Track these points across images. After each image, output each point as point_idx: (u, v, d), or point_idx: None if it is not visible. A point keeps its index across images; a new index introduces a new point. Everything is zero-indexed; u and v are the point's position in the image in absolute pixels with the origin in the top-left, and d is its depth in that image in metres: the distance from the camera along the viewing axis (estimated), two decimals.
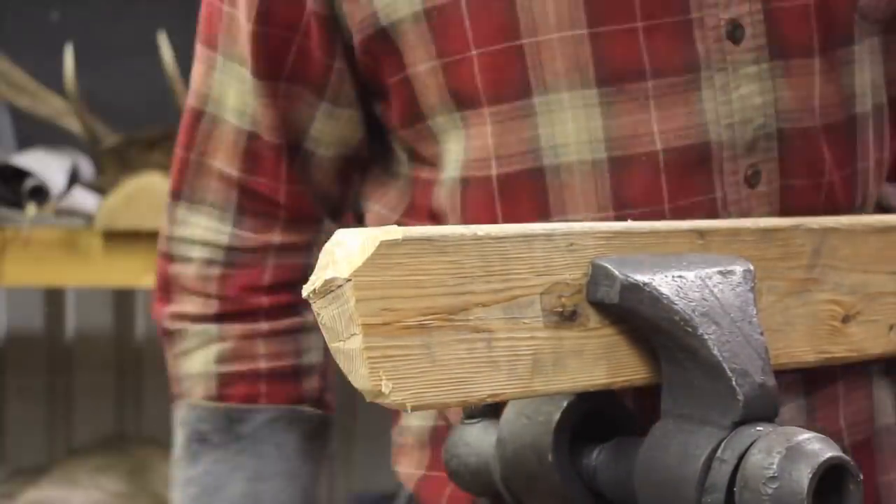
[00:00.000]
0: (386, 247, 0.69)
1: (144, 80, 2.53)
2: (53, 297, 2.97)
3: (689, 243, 0.81)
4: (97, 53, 2.66)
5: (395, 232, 0.69)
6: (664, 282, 0.77)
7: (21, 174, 2.39)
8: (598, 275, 0.78)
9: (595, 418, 0.85)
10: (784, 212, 0.93)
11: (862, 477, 0.73)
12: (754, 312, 0.79)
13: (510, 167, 0.96)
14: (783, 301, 0.85)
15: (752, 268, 0.82)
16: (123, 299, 2.85)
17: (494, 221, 0.94)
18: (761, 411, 0.76)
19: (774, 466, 0.71)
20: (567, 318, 0.76)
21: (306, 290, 0.71)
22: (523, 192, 0.95)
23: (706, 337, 0.75)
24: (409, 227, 0.70)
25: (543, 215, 0.95)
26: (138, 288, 2.57)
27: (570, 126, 0.94)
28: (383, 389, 0.69)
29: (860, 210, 0.99)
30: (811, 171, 0.96)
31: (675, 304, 0.76)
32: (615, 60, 0.94)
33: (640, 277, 0.77)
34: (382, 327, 0.69)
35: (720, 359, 0.75)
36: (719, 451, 0.74)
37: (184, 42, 2.10)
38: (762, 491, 0.71)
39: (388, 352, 0.69)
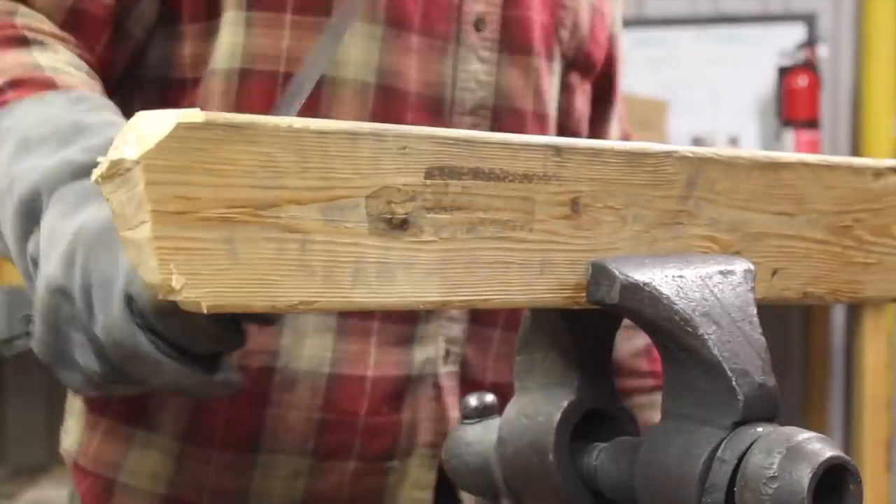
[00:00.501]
0: (184, 129, 0.64)
1: None
2: None
3: (543, 159, 0.76)
4: None
5: (195, 115, 0.65)
6: (664, 282, 0.77)
7: None
8: (597, 275, 0.78)
9: (595, 418, 0.84)
10: None
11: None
12: (755, 312, 0.79)
13: (296, 68, 1.12)
14: (650, 232, 0.81)
15: (752, 267, 0.81)
16: None
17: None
18: (761, 411, 0.75)
19: (775, 466, 0.71)
20: (397, 226, 0.71)
21: (95, 174, 0.66)
22: None
23: (706, 337, 0.75)
24: (212, 112, 0.66)
25: (312, 115, 1.06)
26: None
27: (353, 49, 1.16)
28: (174, 284, 0.64)
29: None
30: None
31: (676, 304, 0.76)
32: (401, 11, 1.17)
33: (640, 277, 0.77)
34: (176, 216, 0.64)
35: (720, 359, 0.75)
36: (719, 451, 0.74)
37: None
38: (762, 491, 0.71)
39: (181, 244, 0.64)
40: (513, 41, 1.24)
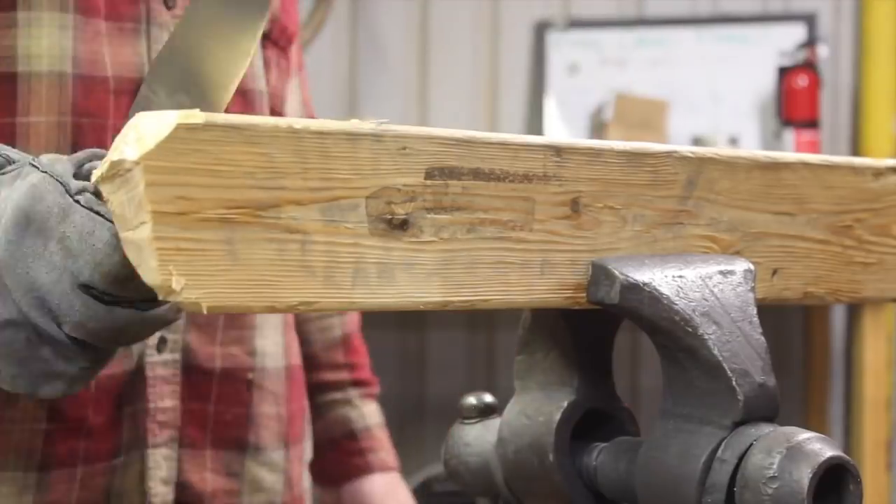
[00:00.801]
0: (184, 130, 0.64)
1: None
2: None
3: (543, 160, 0.76)
4: None
5: (195, 116, 0.65)
6: (664, 282, 0.77)
7: None
8: (598, 275, 0.78)
9: (595, 418, 0.84)
10: None
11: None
12: (755, 312, 0.79)
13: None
14: (650, 232, 0.81)
15: (752, 267, 0.81)
16: None
17: None
18: (761, 411, 0.75)
19: (775, 466, 0.71)
20: (397, 227, 0.71)
21: (95, 175, 0.66)
22: None
23: (706, 337, 0.75)
24: (213, 113, 0.66)
25: (10, 115, 1.13)
26: None
27: (45, 41, 1.13)
28: (174, 286, 0.64)
29: None
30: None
31: (676, 304, 0.76)
32: None
33: (640, 277, 0.77)
34: (176, 216, 0.64)
35: (720, 359, 0.75)
36: (719, 451, 0.74)
37: None
38: (762, 491, 0.71)
39: (181, 244, 0.65)
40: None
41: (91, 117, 1.15)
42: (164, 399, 1.22)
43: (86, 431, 1.17)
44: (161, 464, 1.22)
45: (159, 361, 1.21)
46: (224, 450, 1.27)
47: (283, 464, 1.33)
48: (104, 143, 1.14)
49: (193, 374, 1.24)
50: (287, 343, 1.35)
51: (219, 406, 1.27)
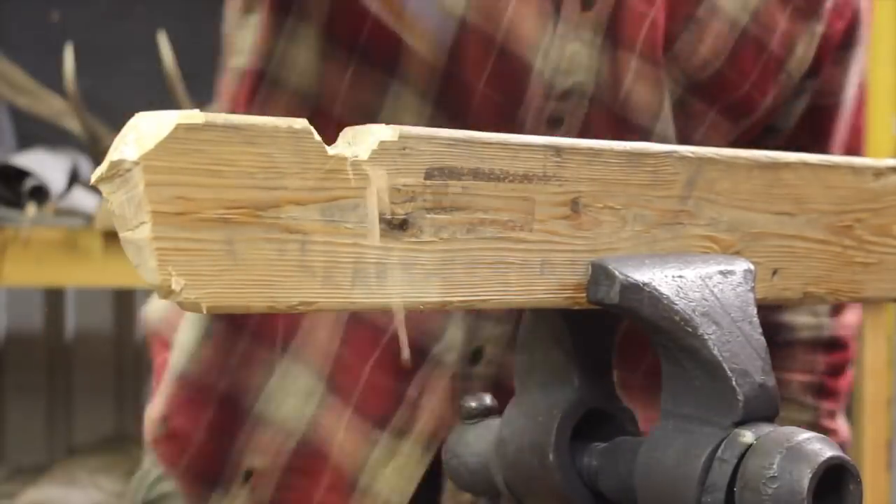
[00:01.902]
0: (183, 130, 0.64)
1: (144, 80, 2.55)
2: (53, 297, 2.98)
3: (543, 160, 0.76)
4: (97, 53, 2.68)
5: (195, 116, 0.65)
6: (664, 282, 0.77)
7: (21, 174, 2.40)
8: (597, 275, 0.78)
9: (595, 418, 0.84)
10: None
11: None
12: (755, 312, 0.79)
13: None
14: (650, 232, 0.81)
15: (752, 267, 0.81)
16: (123, 299, 2.86)
17: None
18: (761, 411, 0.75)
19: (774, 466, 0.71)
20: (397, 227, 0.71)
21: (94, 176, 0.66)
22: None
23: (706, 337, 0.75)
24: (212, 113, 0.66)
25: None
26: (138, 288, 2.57)
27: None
28: (173, 286, 0.64)
29: None
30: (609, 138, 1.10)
31: (676, 304, 0.76)
32: None
33: (640, 277, 0.77)
34: (175, 217, 0.64)
35: (720, 359, 0.75)
36: (719, 451, 0.74)
37: (184, 42, 2.11)
38: (762, 491, 0.71)
39: (180, 244, 0.64)
40: (622, 33, 1.10)
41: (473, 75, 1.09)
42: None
43: (364, 378, 1.13)
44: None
45: (471, 372, 1.14)
46: None
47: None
48: None
49: (503, 392, 1.09)
50: None
51: None
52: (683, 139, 1.14)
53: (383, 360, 1.12)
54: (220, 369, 1.14)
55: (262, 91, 1.11)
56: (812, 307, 1.29)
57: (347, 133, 0.71)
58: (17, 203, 2.36)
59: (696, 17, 1.12)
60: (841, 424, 1.36)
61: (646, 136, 1.11)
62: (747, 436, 0.73)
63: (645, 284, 0.76)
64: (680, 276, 0.77)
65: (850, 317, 1.34)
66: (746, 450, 0.73)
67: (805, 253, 0.89)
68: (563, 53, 1.07)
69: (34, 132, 2.64)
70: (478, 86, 1.08)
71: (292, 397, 1.14)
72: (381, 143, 0.70)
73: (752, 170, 0.85)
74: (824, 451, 0.71)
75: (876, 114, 3.21)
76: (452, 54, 1.07)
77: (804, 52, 1.17)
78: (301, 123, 0.68)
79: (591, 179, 0.78)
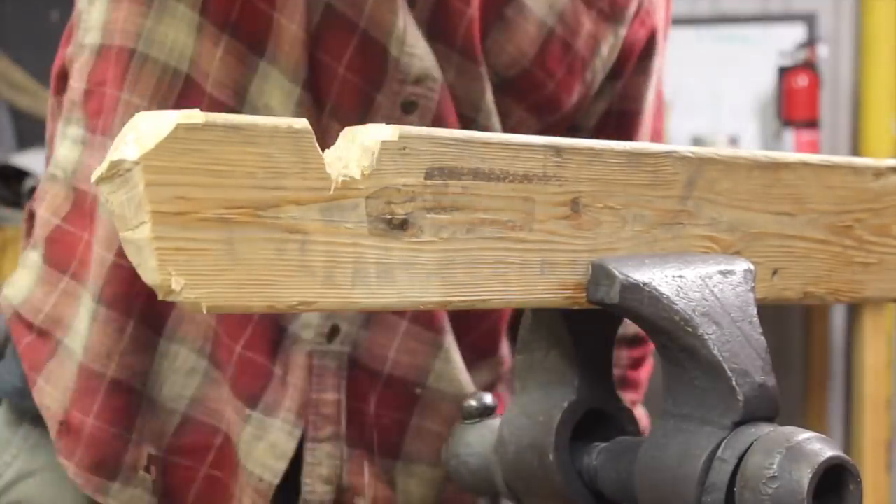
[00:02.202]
0: (183, 130, 0.64)
1: None
2: None
3: (543, 160, 0.76)
4: None
5: (195, 116, 0.65)
6: (664, 282, 0.77)
7: (21, 174, 2.40)
8: (597, 275, 0.78)
9: (595, 418, 0.84)
10: None
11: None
12: (755, 312, 0.79)
13: None
14: (650, 232, 0.81)
15: (752, 267, 0.81)
16: None
17: None
18: (761, 411, 0.75)
19: (775, 466, 0.71)
20: (397, 226, 0.71)
21: (95, 176, 0.66)
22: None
23: (706, 337, 0.75)
24: (212, 113, 0.66)
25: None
26: None
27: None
28: (173, 286, 0.64)
29: None
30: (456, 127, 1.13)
31: (676, 304, 0.76)
32: None
33: (640, 277, 0.77)
34: (175, 217, 0.64)
35: (720, 359, 0.75)
36: (719, 451, 0.74)
37: None
38: (762, 491, 0.71)
39: (180, 244, 0.64)
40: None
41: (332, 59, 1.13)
42: (327, 391, 1.17)
43: (236, 356, 1.15)
44: (323, 461, 1.17)
45: (325, 350, 1.16)
46: (382, 456, 1.22)
47: (440, 483, 1.26)
48: None
49: (357, 371, 1.19)
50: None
51: (379, 409, 1.21)
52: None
53: (254, 339, 1.14)
54: (109, 355, 1.14)
55: (132, 68, 1.13)
56: None
57: (347, 133, 0.71)
58: (17, 203, 2.36)
59: (505, 16, 1.16)
60: (641, 414, 1.42)
61: (475, 127, 1.15)
62: (747, 436, 0.73)
63: (645, 284, 0.76)
64: (680, 276, 0.77)
65: None
66: (746, 450, 0.73)
67: (805, 253, 0.89)
68: (415, 41, 1.11)
69: (34, 132, 2.63)
70: (339, 69, 1.11)
71: (174, 376, 1.15)
72: (382, 143, 0.70)
73: (752, 170, 0.85)
74: (824, 451, 0.71)
75: (876, 114, 3.21)
76: (317, 37, 1.10)
77: (608, 53, 1.22)
78: (301, 123, 0.68)
79: (591, 179, 0.78)
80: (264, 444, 1.15)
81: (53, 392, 1.17)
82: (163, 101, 1.12)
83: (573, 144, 0.78)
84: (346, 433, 1.17)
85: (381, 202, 0.70)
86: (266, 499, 1.14)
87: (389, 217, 0.71)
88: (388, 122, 0.73)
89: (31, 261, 1.24)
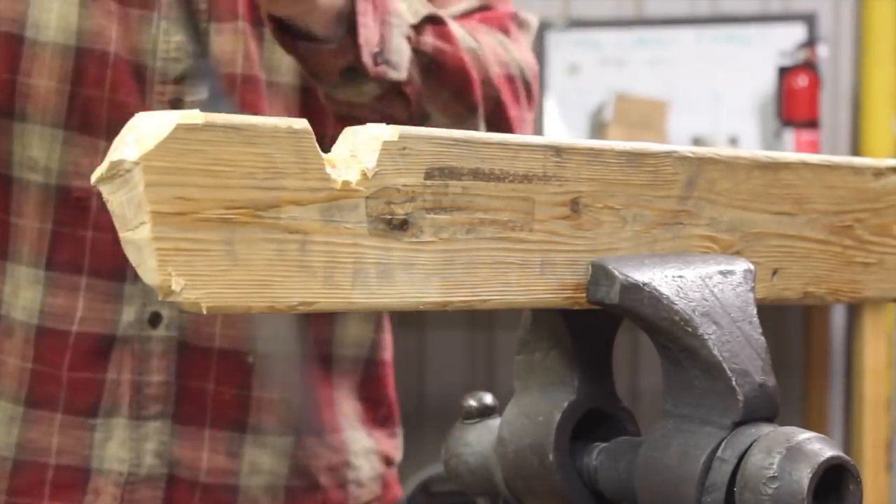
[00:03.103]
0: (183, 131, 0.64)
1: None
2: None
3: (543, 160, 0.76)
4: None
5: (194, 116, 0.65)
6: (664, 282, 0.77)
7: None
8: (597, 275, 0.78)
9: (595, 418, 0.84)
10: None
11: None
12: (754, 312, 0.79)
13: None
14: (650, 232, 0.81)
15: (752, 267, 0.81)
16: None
17: None
18: (761, 411, 0.75)
19: (775, 466, 0.71)
20: (397, 227, 0.71)
21: (94, 176, 0.66)
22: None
23: (706, 337, 0.75)
24: (212, 114, 0.66)
25: (11, 73, 1.22)
26: None
27: (53, 14, 1.21)
28: (173, 286, 0.64)
29: None
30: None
31: (675, 304, 0.76)
32: None
33: (640, 277, 0.77)
34: (175, 217, 0.64)
35: (720, 359, 0.75)
36: (719, 451, 0.74)
37: None
38: (762, 491, 0.71)
39: (180, 245, 0.64)
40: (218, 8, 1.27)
41: (94, 89, 1.23)
42: (152, 373, 1.26)
43: (65, 381, 1.24)
44: (150, 436, 1.26)
45: (153, 336, 1.26)
46: (224, 430, 1.29)
47: (291, 450, 1.33)
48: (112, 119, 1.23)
49: (191, 352, 1.27)
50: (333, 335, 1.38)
51: (218, 386, 1.29)
52: None
53: (75, 360, 1.25)
54: None
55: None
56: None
57: (347, 133, 0.71)
58: None
59: None
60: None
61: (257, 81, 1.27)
62: (747, 436, 0.73)
63: (645, 284, 0.76)
64: (680, 276, 0.77)
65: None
66: (746, 450, 0.73)
67: (805, 253, 0.89)
68: (168, 46, 1.24)
69: None
70: (103, 96, 1.23)
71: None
72: (382, 143, 0.70)
73: (752, 170, 0.85)
74: (824, 450, 0.71)
75: (876, 114, 3.21)
76: (76, 78, 1.22)
77: None
78: (301, 124, 0.68)
79: (591, 179, 0.78)
80: (115, 442, 1.25)
81: None
82: None
83: (573, 144, 0.78)
84: (181, 411, 1.27)
85: (380, 202, 0.70)
86: (123, 488, 1.25)
87: (389, 217, 0.71)
88: None
89: None
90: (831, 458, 0.71)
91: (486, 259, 0.74)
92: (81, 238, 1.24)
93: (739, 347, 0.76)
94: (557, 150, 0.77)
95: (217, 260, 0.65)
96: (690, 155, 0.82)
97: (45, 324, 1.25)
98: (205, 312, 0.66)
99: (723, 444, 0.74)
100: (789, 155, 0.88)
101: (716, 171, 0.83)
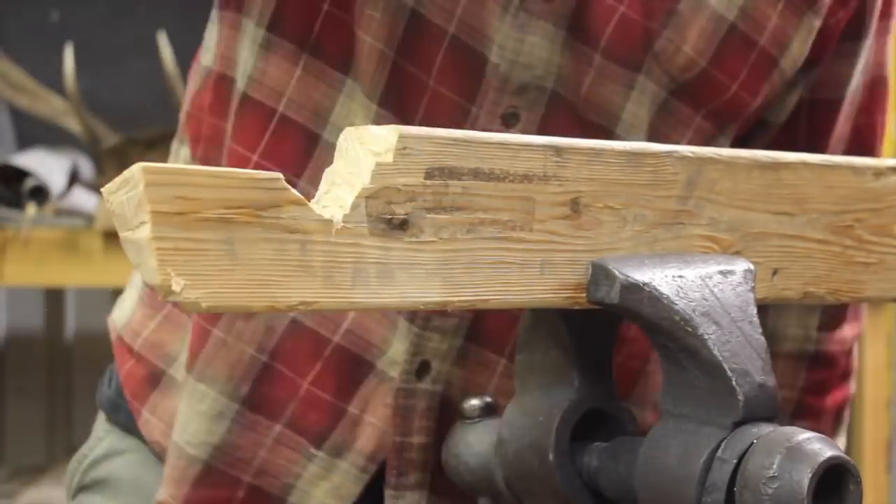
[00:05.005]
0: None
1: (144, 80, 2.55)
2: (53, 297, 2.97)
3: (543, 159, 0.76)
4: (97, 53, 2.68)
5: None
6: (664, 282, 0.76)
7: (21, 174, 2.40)
8: (598, 275, 0.78)
9: (595, 418, 0.84)
10: None
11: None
12: (755, 312, 0.79)
13: None
14: (650, 232, 0.81)
15: (752, 267, 0.81)
16: None
17: None
18: (761, 411, 0.75)
19: (775, 466, 0.71)
20: (397, 227, 0.71)
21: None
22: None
23: (706, 337, 0.75)
24: None
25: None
26: None
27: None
28: (174, 286, 0.64)
29: None
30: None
31: (676, 304, 0.76)
32: None
33: (640, 277, 0.77)
34: (176, 217, 0.64)
35: (720, 359, 0.75)
36: (719, 451, 0.74)
37: (184, 42, 2.11)
38: (762, 491, 0.71)
39: (181, 244, 0.64)
40: (588, 30, 1.03)
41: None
42: (412, 434, 1.06)
43: (303, 391, 1.06)
44: None
45: (416, 388, 1.06)
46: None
47: None
48: None
49: (451, 414, 1.04)
50: None
51: None
52: (666, 143, 1.02)
53: (324, 374, 1.06)
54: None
55: (219, 92, 1.09)
56: (804, 318, 1.22)
57: (348, 133, 0.71)
58: (17, 203, 2.36)
59: (678, 11, 1.03)
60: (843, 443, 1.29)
61: (608, 137, 1.02)
62: (747, 436, 0.73)
63: (645, 284, 0.76)
64: (680, 276, 0.77)
65: (847, 331, 1.25)
66: (746, 450, 0.73)
67: (805, 253, 0.89)
68: (520, 46, 1.01)
69: (34, 132, 2.63)
70: (428, 82, 1.02)
71: (197, 420, 1.07)
72: (382, 143, 0.70)
73: (753, 170, 0.85)
74: (824, 451, 0.71)
75: None
76: (403, 47, 1.02)
77: (799, 48, 1.08)
78: None
79: (591, 179, 0.78)
80: (328, 485, 1.07)
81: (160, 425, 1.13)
82: (229, 122, 1.08)
83: (573, 144, 0.78)
84: (434, 481, 1.06)
85: (381, 202, 0.70)
86: None
87: (389, 217, 0.71)
88: None
89: (136, 279, 1.20)
90: (831, 459, 0.71)
91: (487, 259, 0.74)
92: None
93: (739, 347, 0.76)
94: (557, 150, 0.77)
95: (217, 260, 0.65)
96: (690, 155, 0.82)
97: (304, 320, 1.05)
98: (205, 312, 0.66)
99: (723, 444, 0.74)
100: (789, 155, 0.88)
101: (716, 170, 0.83)
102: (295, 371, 1.05)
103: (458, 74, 1.02)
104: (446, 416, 1.05)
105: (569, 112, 1.03)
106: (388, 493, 1.05)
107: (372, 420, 1.05)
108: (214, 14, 1.11)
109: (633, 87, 1.04)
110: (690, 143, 1.05)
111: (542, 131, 1.01)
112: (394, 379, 1.05)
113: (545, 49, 1.01)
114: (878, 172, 0.92)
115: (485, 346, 1.06)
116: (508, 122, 1.02)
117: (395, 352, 1.05)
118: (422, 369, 1.05)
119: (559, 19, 1.01)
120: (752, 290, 0.80)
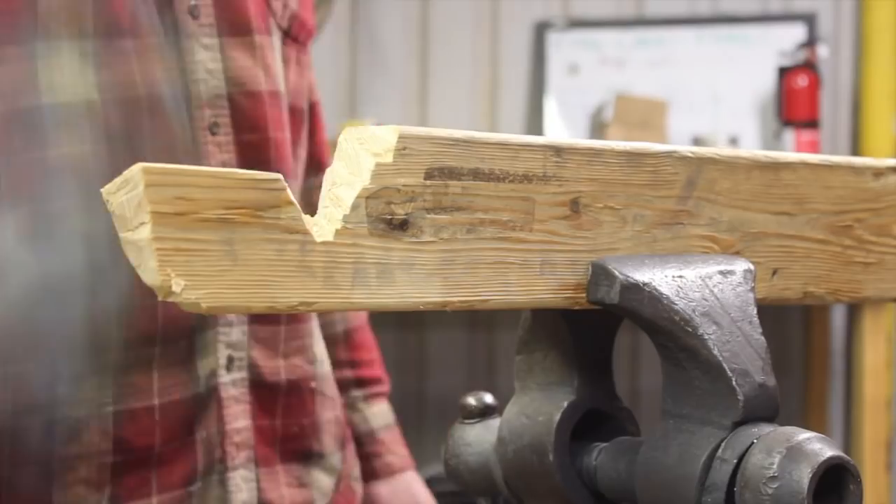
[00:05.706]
0: None
1: None
2: None
3: (543, 160, 0.76)
4: None
5: None
6: (664, 282, 0.77)
7: None
8: (598, 275, 0.78)
9: (595, 418, 0.84)
10: (241, 159, 1.18)
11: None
12: (755, 312, 0.79)
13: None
14: (650, 232, 0.81)
15: (752, 267, 0.81)
16: None
17: None
18: (761, 411, 0.75)
19: (775, 466, 0.71)
20: (397, 227, 0.71)
21: None
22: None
23: (706, 337, 0.75)
24: None
25: (40, 149, 1.09)
26: None
27: (66, 71, 1.10)
28: (173, 287, 0.64)
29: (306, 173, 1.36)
30: (256, 127, 1.20)
31: (676, 304, 0.76)
32: (111, 16, 1.11)
33: (640, 277, 0.77)
34: (175, 217, 0.64)
35: (720, 359, 0.75)
36: (719, 451, 0.74)
37: None
38: (762, 491, 0.71)
39: (180, 245, 0.64)
40: (230, 22, 1.20)
41: (128, 140, 1.12)
42: (237, 419, 1.20)
43: (156, 460, 1.14)
44: (241, 486, 1.20)
45: (229, 381, 1.19)
46: (294, 462, 1.26)
47: (340, 465, 1.32)
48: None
49: (260, 390, 1.22)
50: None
51: (285, 420, 1.25)
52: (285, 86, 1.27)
53: (165, 434, 1.16)
54: None
55: None
56: None
57: (348, 133, 0.71)
58: None
59: None
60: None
61: (279, 97, 1.23)
62: (747, 436, 0.73)
63: (645, 284, 0.76)
64: (680, 276, 0.77)
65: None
66: (746, 450, 0.73)
67: (805, 253, 0.89)
68: (198, 66, 1.18)
69: None
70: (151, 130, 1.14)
71: None
72: (382, 143, 0.70)
73: (752, 170, 0.85)
74: (824, 450, 0.71)
75: (876, 114, 3.21)
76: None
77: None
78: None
79: (590, 179, 0.78)
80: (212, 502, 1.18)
81: None
82: None
83: (573, 144, 0.78)
84: (257, 454, 1.21)
85: (381, 202, 0.70)
86: None
87: (389, 217, 0.71)
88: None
89: None
90: (831, 458, 0.71)
91: (486, 259, 0.74)
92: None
93: (739, 347, 0.76)
94: (557, 150, 0.77)
95: (217, 260, 0.65)
96: (690, 155, 0.82)
97: (125, 406, 1.13)
98: (205, 312, 0.65)
99: (723, 444, 0.74)
100: (789, 155, 0.88)
101: (716, 170, 0.83)
102: (144, 450, 1.16)
103: (166, 125, 1.15)
104: (258, 393, 1.22)
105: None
106: (227, 476, 1.21)
107: (213, 431, 1.19)
108: None
109: (274, 49, 1.25)
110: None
111: (237, 127, 1.20)
112: (213, 387, 1.18)
113: (209, 59, 1.19)
114: (878, 173, 0.92)
115: (263, 322, 1.22)
116: (214, 132, 1.18)
117: (208, 363, 1.18)
118: (228, 364, 1.19)
119: (211, 29, 1.19)
120: (752, 290, 0.80)
